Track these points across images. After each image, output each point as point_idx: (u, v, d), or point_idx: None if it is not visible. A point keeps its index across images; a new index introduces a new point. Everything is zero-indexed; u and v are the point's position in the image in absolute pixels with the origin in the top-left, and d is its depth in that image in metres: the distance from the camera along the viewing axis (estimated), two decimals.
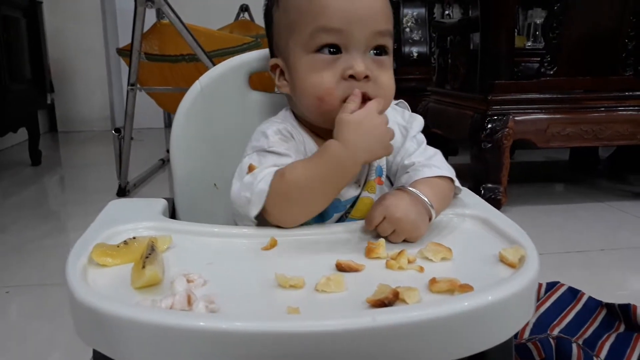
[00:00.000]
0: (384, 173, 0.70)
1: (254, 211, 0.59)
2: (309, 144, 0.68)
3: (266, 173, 0.59)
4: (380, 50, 0.64)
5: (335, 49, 0.62)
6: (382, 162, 0.70)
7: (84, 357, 0.90)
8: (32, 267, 1.37)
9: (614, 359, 0.87)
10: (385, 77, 0.64)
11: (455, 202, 0.66)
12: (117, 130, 1.99)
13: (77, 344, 0.94)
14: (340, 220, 0.68)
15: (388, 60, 0.66)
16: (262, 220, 0.61)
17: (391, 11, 0.67)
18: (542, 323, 0.96)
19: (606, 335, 0.94)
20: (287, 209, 0.59)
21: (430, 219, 0.59)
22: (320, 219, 0.66)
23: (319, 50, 0.62)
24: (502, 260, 0.51)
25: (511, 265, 0.50)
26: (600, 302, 1.03)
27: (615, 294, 1.07)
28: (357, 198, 0.68)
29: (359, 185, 0.68)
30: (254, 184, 0.59)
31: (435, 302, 0.43)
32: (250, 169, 0.61)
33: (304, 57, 0.63)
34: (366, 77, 0.62)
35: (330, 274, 0.48)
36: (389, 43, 0.65)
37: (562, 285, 1.08)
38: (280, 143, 0.65)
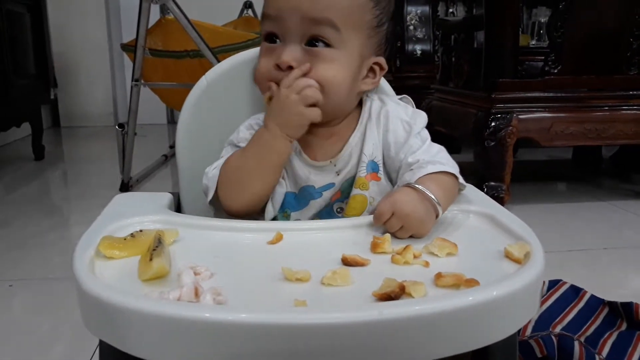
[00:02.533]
0: (380, 169, 0.69)
1: (210, 195, 0.66)
2: None
3: (221, 162, 0.67)
4: (315, 41, 0.63)
5: (275, 38, 0.65)
6: (377, 157, 0.69)
7: (87, 350, 0.91)
8: (35, 261, 1.37)
9: (616, 357, 0.87)
10: (323, 70, 0.63)
11: (460, 199, 0.66)
12: (121, 125, 1.99)
13: (80, 337, 0.96)
14: (324, 211, 0.69)
15: (329, 52, 0.63)
16: (217, 208, 0.67)
17: (350, 1, 0.63)
18: (545, 320, 0.96)
19: (608, 333, 0.94)
20: (230, 191, 0.65)
21: (437, 216, 0.59)
22: (298, 206, 0.69)
23: (265, 38, 0.66)
24: (508, 256, 0.51)
25: (516, 261, 0.50)
26: (603, 300, 1.03)
27: (617, 293, 1.08)
28: (333, 186, 0.68)
29: (337, 174, 0.68)
30: (209, 171, 0.67)
31: (441, 297, 0.43)
32: None
33: (262, 43, 0.68)
34: (290, 67, 0.63)
35: (336, 268, 0.48)
36: (329, 33, 0.62)
37: (565, 283, 1.08)
38: (247, 139, 0.69)
